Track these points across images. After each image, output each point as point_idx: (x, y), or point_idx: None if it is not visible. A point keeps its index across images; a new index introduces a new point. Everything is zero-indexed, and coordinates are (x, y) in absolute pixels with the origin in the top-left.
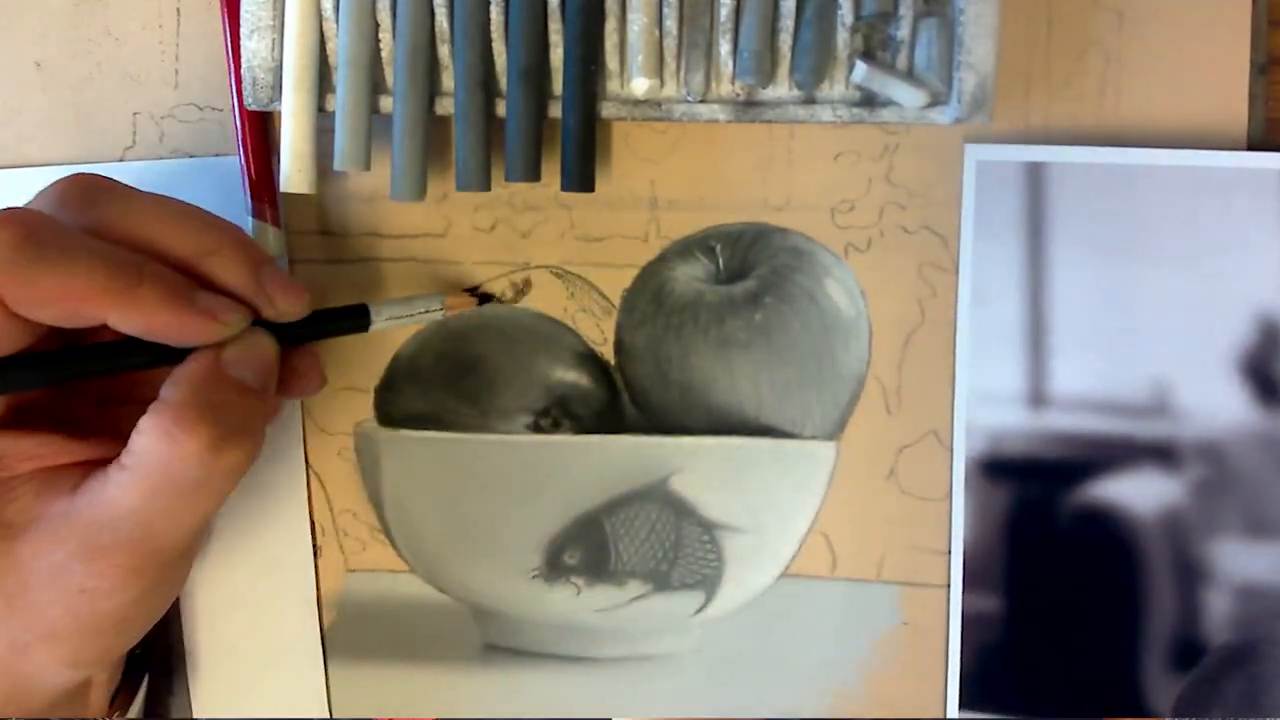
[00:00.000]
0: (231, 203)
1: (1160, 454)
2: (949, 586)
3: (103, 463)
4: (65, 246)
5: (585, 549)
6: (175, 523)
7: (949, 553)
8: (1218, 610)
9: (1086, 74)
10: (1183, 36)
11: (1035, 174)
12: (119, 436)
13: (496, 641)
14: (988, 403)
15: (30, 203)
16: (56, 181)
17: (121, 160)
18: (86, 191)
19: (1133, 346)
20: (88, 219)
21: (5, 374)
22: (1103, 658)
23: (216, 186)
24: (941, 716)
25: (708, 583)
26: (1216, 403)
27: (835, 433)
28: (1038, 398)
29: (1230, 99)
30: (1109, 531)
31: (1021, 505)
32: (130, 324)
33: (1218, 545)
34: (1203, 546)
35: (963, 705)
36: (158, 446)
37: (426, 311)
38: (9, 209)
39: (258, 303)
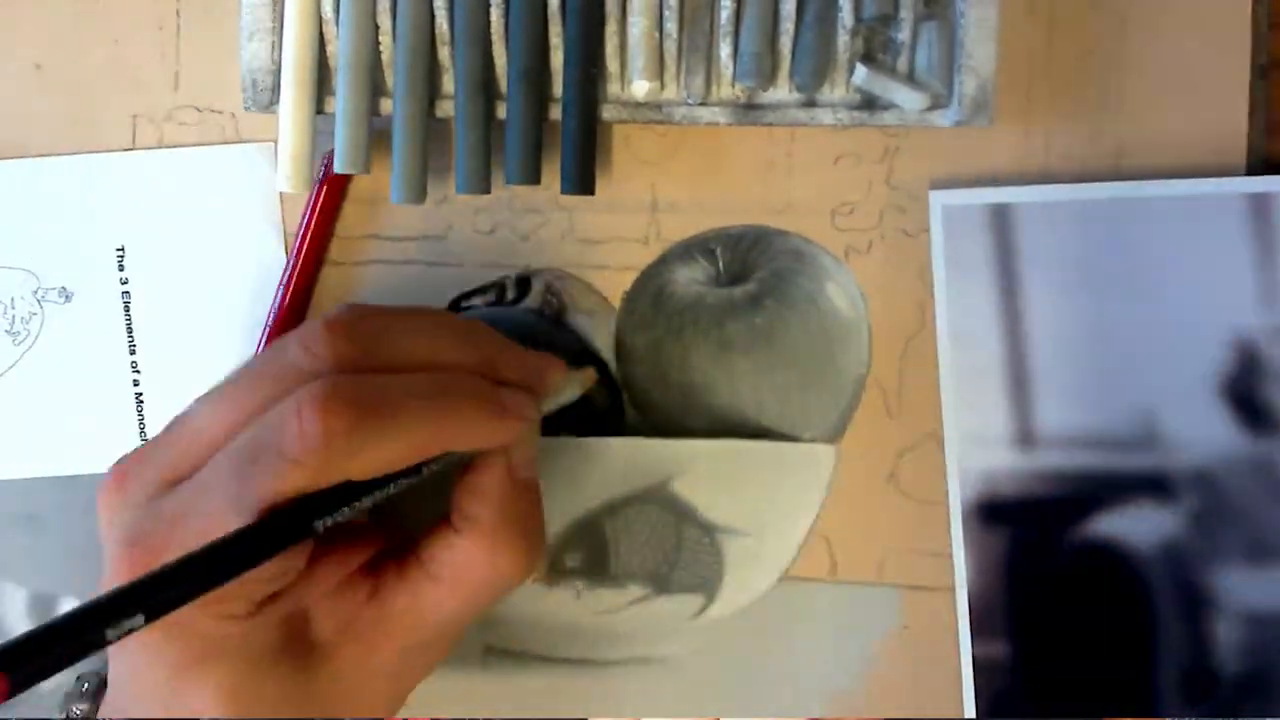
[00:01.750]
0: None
1: (1153, 485)
2: (952, 589)
3: (376, 556)
4: (391, 410)
5: (585, 551)
6: (476, 616)
7: (950, 555)
8: (1227, 640)
9: (1088, 76)
10: (1184, 39)
11: (1002, 215)
12: (368, 526)
13: (497, 644)
14: (977, 447)
15: (305, 345)
16: (320, 327)
17: None
18: (358, 330)
19: (1115, 379)
20: (379, 358)
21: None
22: (1115, 696)
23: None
24: (959, 717)
25: (708, 585)
26: (1203, 430)
27: (835, 436)
28: (1026, 438)
29: (1231, 101)
30: (1111, 568)
31: (1021, 548)
32: (458, 448)
33: (1220, 574)
34: (1205, 576)
35: None
36: (480, 563)
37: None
38: (316, 386)
39: (540, 388)
